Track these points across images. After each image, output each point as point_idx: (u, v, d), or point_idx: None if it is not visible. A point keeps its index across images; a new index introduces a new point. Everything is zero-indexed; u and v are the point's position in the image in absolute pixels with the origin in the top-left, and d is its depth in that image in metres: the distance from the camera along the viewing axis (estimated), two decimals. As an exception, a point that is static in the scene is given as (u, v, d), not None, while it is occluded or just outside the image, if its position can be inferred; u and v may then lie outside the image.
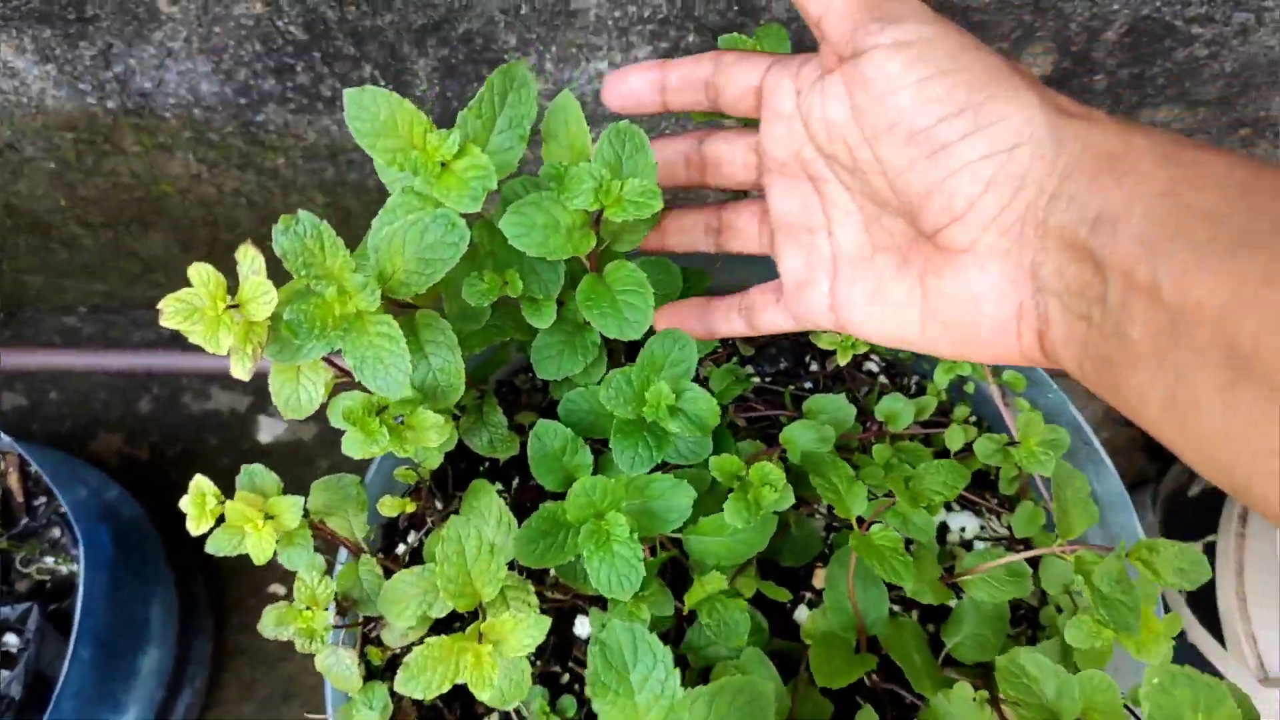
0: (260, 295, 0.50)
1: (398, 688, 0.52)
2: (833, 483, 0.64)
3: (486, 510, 0.67)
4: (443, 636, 0.53)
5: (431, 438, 0.59)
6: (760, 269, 0.64)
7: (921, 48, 0.44)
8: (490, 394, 0.72)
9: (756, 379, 0.85)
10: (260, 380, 1.63)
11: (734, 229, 0.62)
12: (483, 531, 0.57)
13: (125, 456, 1.57)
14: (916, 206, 0.47)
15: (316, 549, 0.69)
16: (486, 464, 0.81)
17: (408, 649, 0.70)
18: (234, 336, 0.51)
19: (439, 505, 0.76)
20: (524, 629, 0.53)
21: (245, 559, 0.60)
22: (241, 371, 0.53)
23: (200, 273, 0.51)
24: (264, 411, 1.61)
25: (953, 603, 0.72)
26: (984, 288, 0.46)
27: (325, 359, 0.60)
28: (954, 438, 0.75)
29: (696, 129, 0.62)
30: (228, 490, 0.61)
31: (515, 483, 0.81)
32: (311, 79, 1.04)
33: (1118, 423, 1.79)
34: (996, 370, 0.77)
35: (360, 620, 0.70)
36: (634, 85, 0.58)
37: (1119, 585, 0.57)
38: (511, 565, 0.66)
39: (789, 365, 0.85)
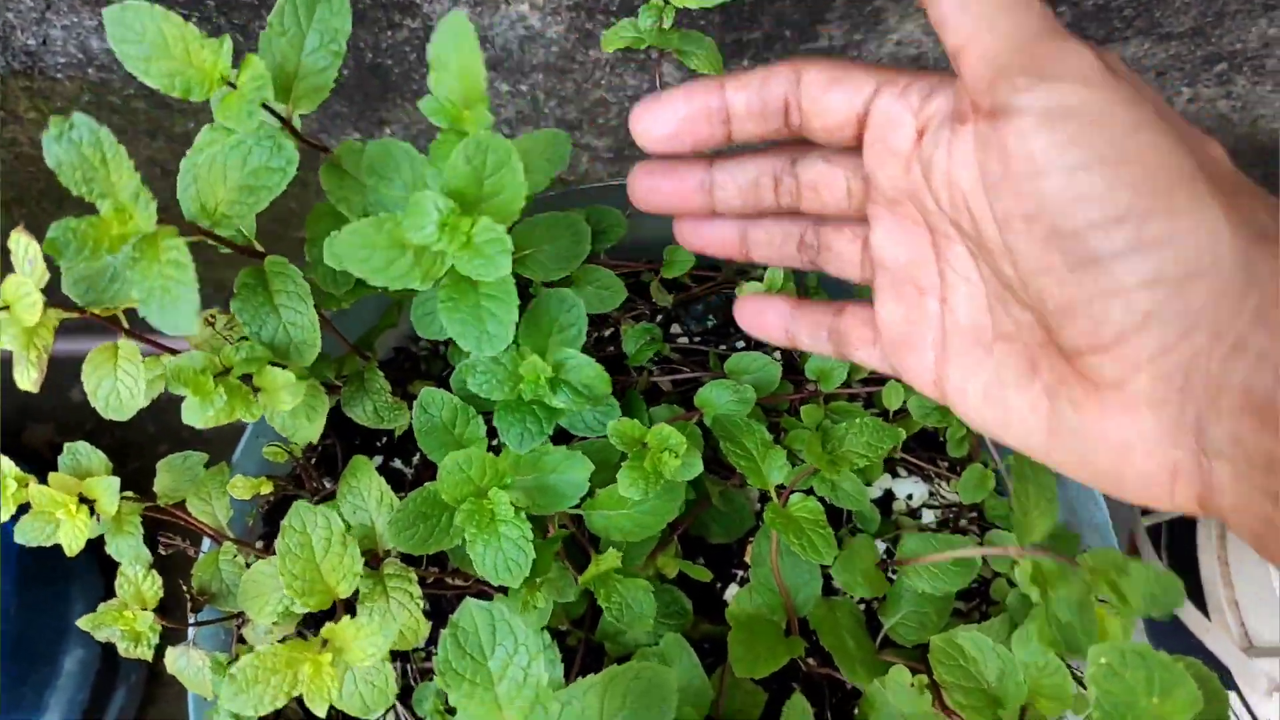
0: (23, 296, 0.43)
1: (223, 704, 0.45)
2: (746, 449, 0.56)
3: (366, 490, 0.59)
4: (277, 644, 0.45)
5: (284, 399, 0.52)
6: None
7: (1080, 122, 0.34)
8: (374, 361, 0.65)
9: (684, 338, 0.77)
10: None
11: (832, 250, 0.49)
12: (332, 520, 0.49)
13: (58, 448, 1.50)
14: (1052, 317, 0.37)
15: (182, 537, 0.62)
16: (383, 440, 0.73)
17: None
18: (13, 343, 0.44)
19: (327, 485, 0.69)
20: (368, 636, 0.45)
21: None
22: (27, 382, 0.46)
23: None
24: (204, 395, 1.54)
25: (892, 575, 0.65)
26: (1131, 436, 0.36)
27: (147, 339, 0.53)
28: (891, 396, 0.67)
29: (780, 144, 0.48)
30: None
31: (416, 460, 0.74)
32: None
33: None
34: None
35: (235, 614, 0.63)
36: (683, 116, 0.44)
37: (1078, 611, 0.49)
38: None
39: (718, 323, 0.77)
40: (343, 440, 0.72)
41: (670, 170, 0.48)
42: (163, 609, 0.61)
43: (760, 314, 0.52)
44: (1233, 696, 1.07)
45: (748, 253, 0.51)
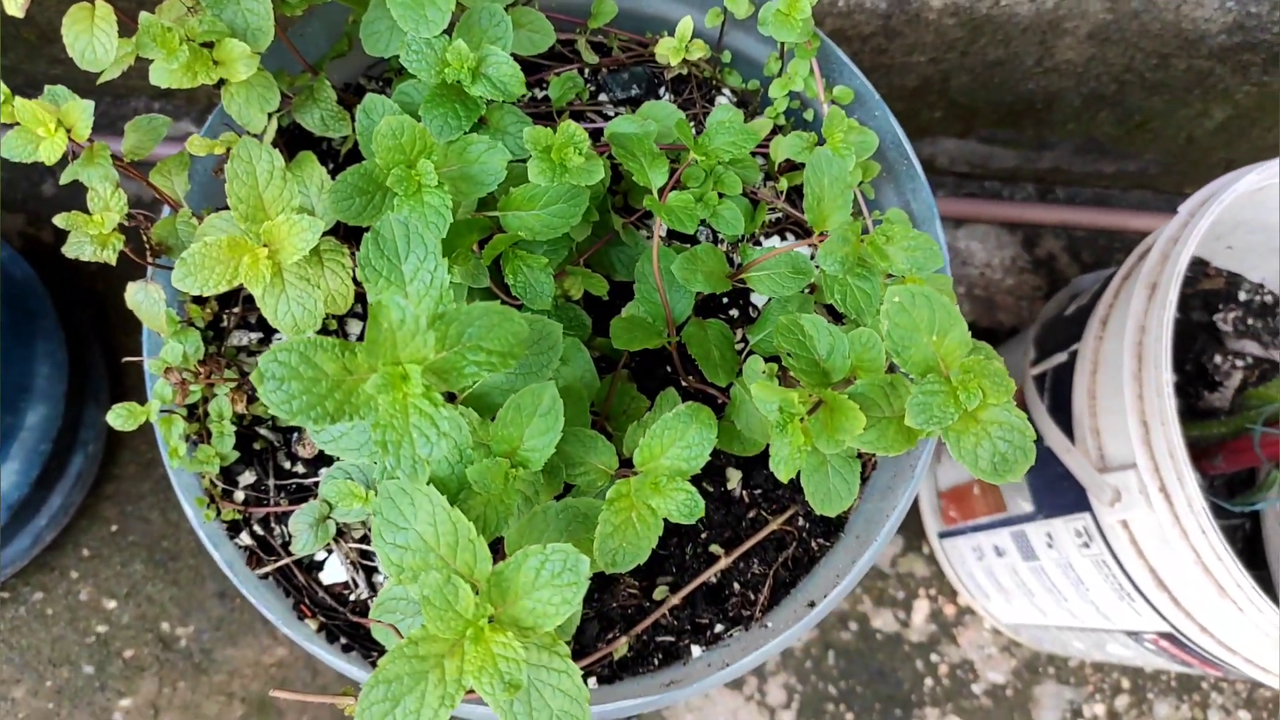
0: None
1: (174, 282, 0.54)
2: (636, 156, 0.65)
3: (309, 178, 0.68)
4: (221, 237, 0.54)
5: (240, 69, 0.60)
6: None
7: None
8: (323, 75, 0.73)
9: (610, 107, 0.86)
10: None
11: None
12: (274, 158, 0.58)
13: (28, 237, 1.57)
14: None
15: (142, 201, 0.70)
16: (329, 166, 0.82)
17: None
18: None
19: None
20: (299, 232, 0.54)
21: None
22: (13, 7, 0.54)
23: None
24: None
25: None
26: None
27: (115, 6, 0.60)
28: (779, 147, 0.77)
29: None
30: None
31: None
32: None
33: (1024, 270, 1.82)
34: (829, 86, 0.78)
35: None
36: None
37: (854, 268, 0.59)
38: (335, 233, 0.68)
39: (642, 93, 0.85)
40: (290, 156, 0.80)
41: None
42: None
43: None
44: (1085, 515, 1.20)
45: None
